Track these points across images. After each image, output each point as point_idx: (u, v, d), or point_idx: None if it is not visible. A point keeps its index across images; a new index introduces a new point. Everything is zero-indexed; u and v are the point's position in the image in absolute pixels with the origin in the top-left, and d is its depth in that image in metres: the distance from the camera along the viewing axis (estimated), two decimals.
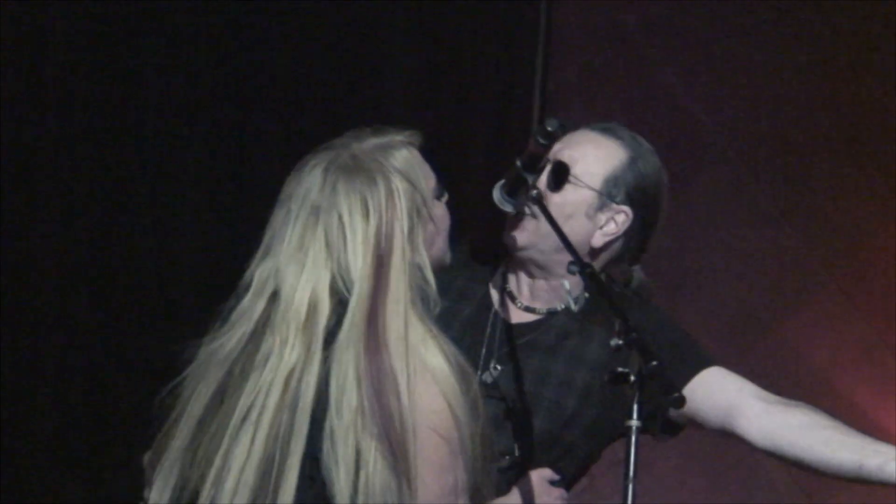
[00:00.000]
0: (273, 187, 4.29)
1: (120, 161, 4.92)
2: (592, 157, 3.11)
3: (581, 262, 2.83)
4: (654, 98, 5.24)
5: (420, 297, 2.62)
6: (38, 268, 4.86)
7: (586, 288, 3.01)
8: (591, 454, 3.10)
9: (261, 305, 2.63)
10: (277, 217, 2.68)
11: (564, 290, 3.04)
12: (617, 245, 3.10)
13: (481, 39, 4.99)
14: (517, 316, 3.13)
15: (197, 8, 4.91)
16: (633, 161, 3.12)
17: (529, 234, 3.08)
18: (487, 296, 3.16)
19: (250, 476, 2.55)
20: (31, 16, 4.84)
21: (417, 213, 2.68)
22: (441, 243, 2.76)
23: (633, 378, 2.53)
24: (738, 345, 5.11)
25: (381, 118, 5.10)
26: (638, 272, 3.18)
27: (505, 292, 3.16)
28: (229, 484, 2.55)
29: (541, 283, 3.12)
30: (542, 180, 3.08)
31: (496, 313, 3.13)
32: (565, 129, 2.96)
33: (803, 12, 5.21)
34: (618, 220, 3.09)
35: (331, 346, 2.54)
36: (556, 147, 3.06)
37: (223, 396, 2.60)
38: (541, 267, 3.10)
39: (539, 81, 5.02)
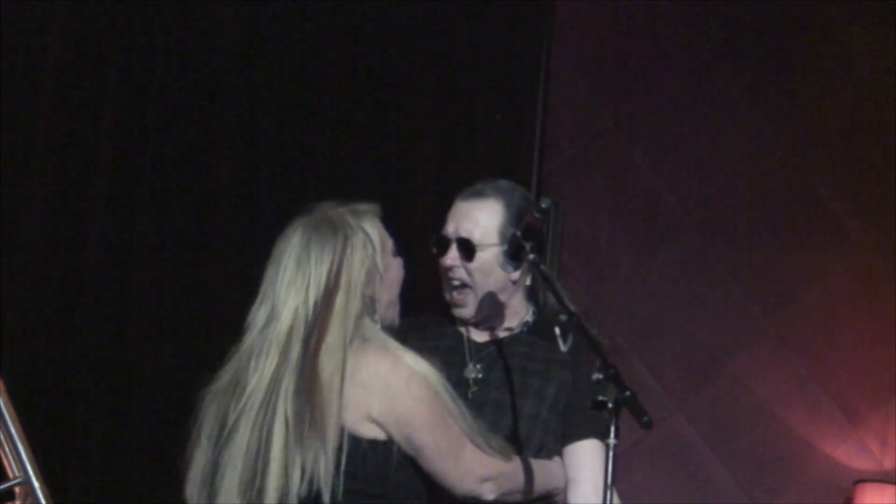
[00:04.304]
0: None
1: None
2: (482, 221, 3.27)
3: (568, 312, 2.98)
4: (627, 181, 5.46)
5: (370, 316, 2.92)
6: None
7: (534, 312, 3.30)
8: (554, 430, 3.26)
9: (259, 341, 2.91)
10: (270, 271, 2.95)
11: (515, 314, 3.28)
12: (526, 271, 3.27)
13: (486, 139, 5.19)
14: (483, 336, 3.34)
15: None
16: (507, 205, 3.28)
17: (472, 306, 3.30)
18: (457, 330, 3.35)
19: (240, 466, 2.81)
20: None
21: (371, 262, 2.96)
22: (388, 295, 3.02)
23: (610, 405, 2.79)
24: (694, 379, 5.42)
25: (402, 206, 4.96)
26: (551, 301, 3.27)
27: (468, 325, 3.35)
28: (227, 479, 2.83)
29: (494, 316, 3.34)
30: (453, 255, 3.26)
31: (468, 338, 3.33)
32: (557, 205, 3.09)
33: (750, 114, 5.45)
34: None
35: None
36: (451, 226, 3.28)
37: (226, 414, 2.90)
38: (492, 315, 3.32)
39: (536, 167, 5.16)
